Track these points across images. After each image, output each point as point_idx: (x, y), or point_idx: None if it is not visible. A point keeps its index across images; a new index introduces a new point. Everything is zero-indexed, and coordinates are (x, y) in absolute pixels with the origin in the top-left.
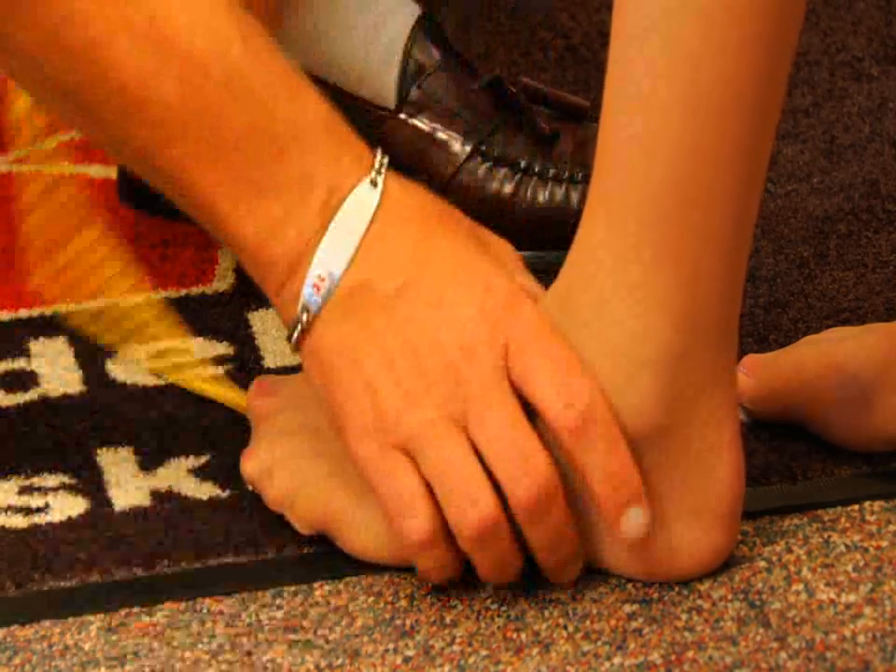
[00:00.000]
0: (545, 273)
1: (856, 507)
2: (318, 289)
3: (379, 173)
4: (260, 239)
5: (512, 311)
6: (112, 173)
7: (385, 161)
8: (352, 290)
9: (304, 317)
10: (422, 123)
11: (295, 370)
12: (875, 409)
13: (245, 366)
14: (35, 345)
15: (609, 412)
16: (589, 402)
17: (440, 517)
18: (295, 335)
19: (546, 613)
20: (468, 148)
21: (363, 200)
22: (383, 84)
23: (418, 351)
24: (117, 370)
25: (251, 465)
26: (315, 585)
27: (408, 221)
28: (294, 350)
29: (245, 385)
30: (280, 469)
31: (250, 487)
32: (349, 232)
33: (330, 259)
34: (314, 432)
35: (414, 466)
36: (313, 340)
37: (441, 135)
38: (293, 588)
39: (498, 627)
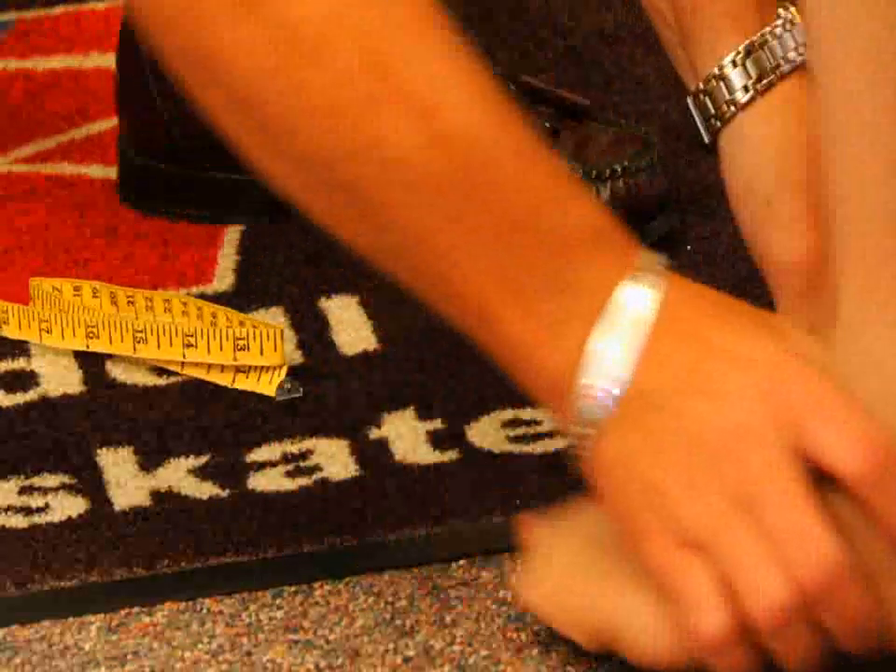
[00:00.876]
0: None
1: None
2: (598, 406)
3: (643, 270)
4: (528, 341)
5: (794, 383)
6: (112, 173)
7: (652, 259)
8: (636, 400)
9: (588, 432)
10: None
11: (295, 369)
12: None
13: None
14: (35, 345)
15: None
16: (885, 449)
17: (737, 613)
18: (580, 450)
19: None
20: None
21: (637, 305)
22: None
23: (699, 441)
24: (117, 370)
25: (526, 588)
26: (315, 585)
27: (688, 321)
28: (575, 455)
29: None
30: (558, 588)
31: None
32: (625, 342)
33: (608, 371)
34: (586, 546)
35: (707, 561)
36: (599, 452)
37: None
38: (293, 588)
39: (498, 627)
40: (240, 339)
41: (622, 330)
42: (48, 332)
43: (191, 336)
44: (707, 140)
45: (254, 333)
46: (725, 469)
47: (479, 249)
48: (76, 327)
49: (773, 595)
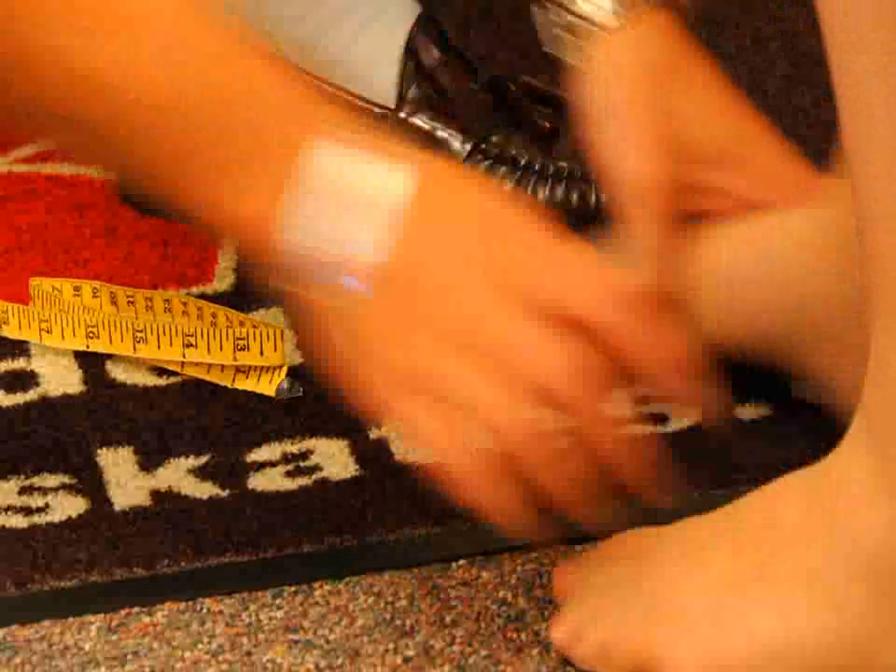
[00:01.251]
0: None
1: None
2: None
3: (332, 133)
4: (220, 204)
5: (517, 232)
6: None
7: (340, 118)
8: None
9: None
10: (421, 122)
11: (295, 368)
12: None
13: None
14: (35, 345)
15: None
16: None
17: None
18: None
19: (546, 613)
20: (467, 147)
21: (326, 164)
22: (383, 83)
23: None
24: (117, 370)
25: (559, 632)
26: (315, 585)
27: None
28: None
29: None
30: (589, 626)
31: (563, 653)
32: (317, 202)
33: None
34: (620, 585)
35: (435, 399)
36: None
37: (441, 134)
38: (293, 588)
39: (498, 627)
40: (240, 339)
41: (317, 193)
42: (48, 332)
43: (191, 336)
44: (571, 58)
45: (254, 333)
46: (446, 311)
47: (162, 136)
48: (76, 327)
49: (501, 414)
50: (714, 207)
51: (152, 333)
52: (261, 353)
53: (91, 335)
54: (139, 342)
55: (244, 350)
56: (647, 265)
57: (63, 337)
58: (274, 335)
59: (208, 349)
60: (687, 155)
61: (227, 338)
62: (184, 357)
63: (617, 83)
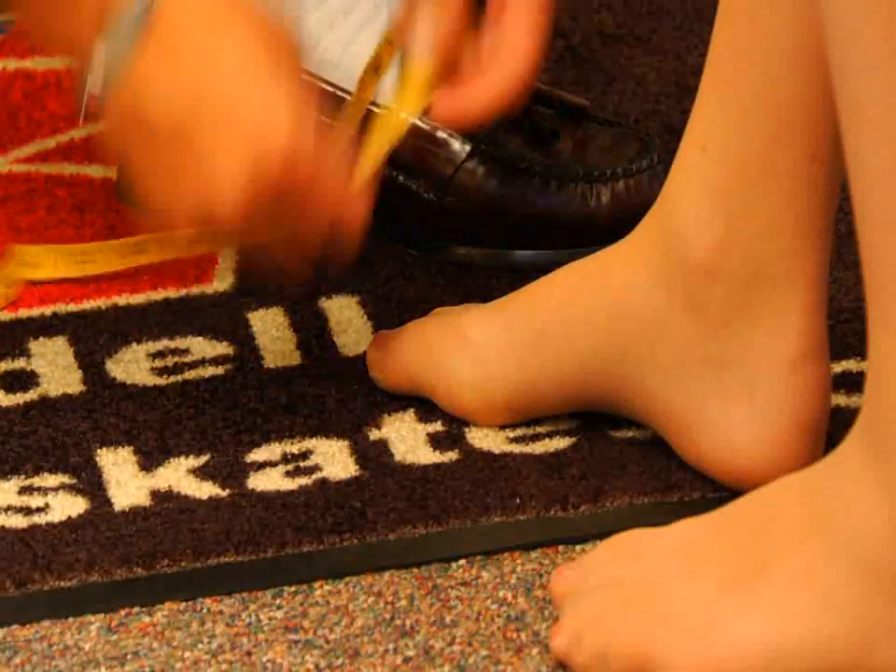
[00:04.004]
0: (545, 271)
1: None
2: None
3: None
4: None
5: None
6: (112, 173)
7: None
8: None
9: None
10: (421, 122)
11: (296, 370)
12: (493, 376)
13: (244, 366)
14: (35, 345)
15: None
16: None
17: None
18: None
19: (546, 613)
20: (467, 148)
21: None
22: (382, 83)
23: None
24: (117, 370)
25: (559, 639)
26: (315, 585)
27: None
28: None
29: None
30: (587, 632)
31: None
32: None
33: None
34: (618, 588)
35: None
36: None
37: (441, 134)
38: (293, 588)
39: (498, 627)
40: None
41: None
42: (92, 263)
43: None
44: None
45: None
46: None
47: None
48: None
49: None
50: None
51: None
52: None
53: (140, 251)
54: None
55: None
56: (434, 51)
57: (109, 262)
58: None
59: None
60: None
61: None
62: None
63: None
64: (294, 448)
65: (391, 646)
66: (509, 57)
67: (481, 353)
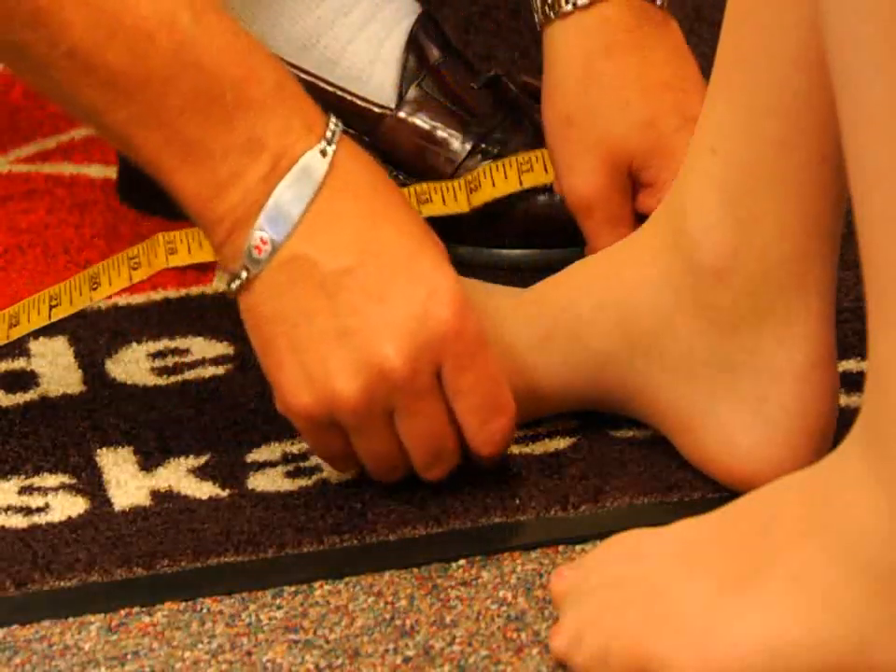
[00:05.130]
0: (545, 271)
1: None
2: (260, 251)
3: (330, 143)
4: (204, 197)
5: (456, 322)
6: (112, 173)
7: (339, 128)
8: (294, 259)
9: (244, 274)
10: (422, 122)
11: None
12: None
13: (244, 366)
14: (35, 345)
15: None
16: (508, 439)
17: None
18: (234, 286)
19: (546, 613)
20: (467, 146)
21: (312, 168)
22: (383, 82)
23: (354, 342)
24: (117, 370)
25: (559, 639)
26: (315, 585)
27: (356, 197)
28: (231, 298)
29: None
30: (587, 632)
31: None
32: (295, 200)
33: (275, 223)
34: (618, 588)
35: (342, 434)
36: (251, 298)
37: (441, 133)
38: (293, 588)
39: (498, 627)
40: (422, 193)
41: (294, 192)
42: (173, 253)
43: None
44: (538, 27)
45: (435, 187)
46: (374, 378)
47: (153, 121)
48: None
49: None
50: (656, 203)
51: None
52: (444, 203)
53: (134, 266)
54: (171, 252)
55: (427, 203)
56: None
57: (189, 252)
58: (454, 188)
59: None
60: (621, 153)
61: (409, 195)
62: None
63: (562, 71)
64: (294, 448)
65: (391, 646)
66: None
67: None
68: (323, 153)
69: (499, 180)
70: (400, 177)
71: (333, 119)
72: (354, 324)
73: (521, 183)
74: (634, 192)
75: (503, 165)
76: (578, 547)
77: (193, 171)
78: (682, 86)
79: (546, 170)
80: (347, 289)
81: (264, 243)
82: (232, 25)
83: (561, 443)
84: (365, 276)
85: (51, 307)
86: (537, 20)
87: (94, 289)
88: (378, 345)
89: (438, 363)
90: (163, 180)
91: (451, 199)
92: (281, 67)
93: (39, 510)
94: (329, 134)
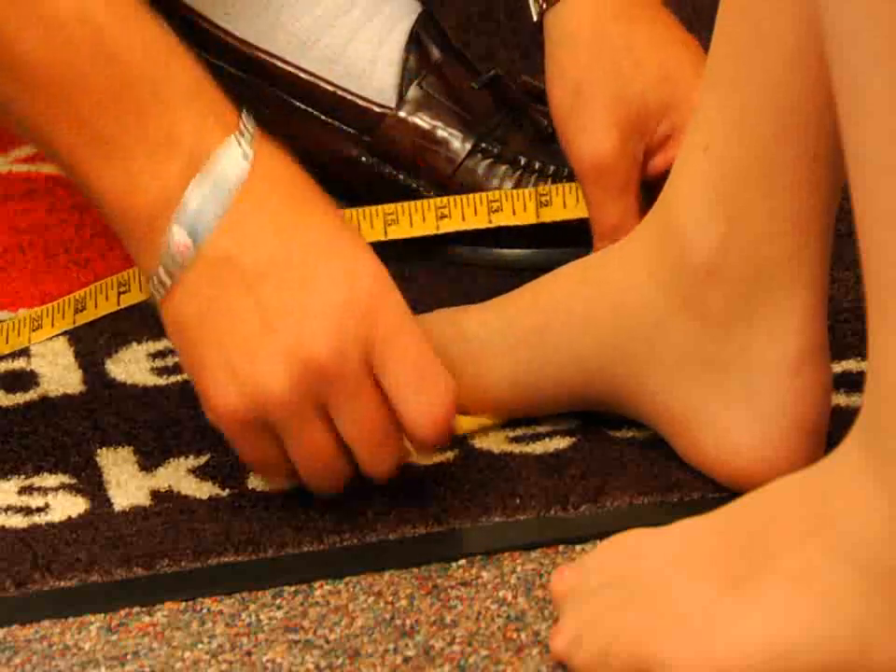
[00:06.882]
0: (544, 271)
1: None
2: (181, 254)
3: (243, 135)
4: (119, 189)
5: (379, 300)
6: None
7: (252, 126)
8: (216, 261)
9: (167, 280)
10: (422, 121)
11: None
12: (493, 376)
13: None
14: (35, 345)
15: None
16: (445, 415)
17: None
18: (158, 294)
19: (546, 613)
20: (468, 146)
21: (228, 165)
22: (383, 82)
23: (280, 335)
24: (117, 370)
25: (559, 639)
26: (315, 585)
27: (273, 191)
28: (154, 303)
29: None
30: (587, 632)
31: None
32: (212, 198)
33: (192, 222)
34: (618, 588)
35: (275, 438)
36: (174, 304)
37: (441, 133)
38: (293, 588)
39: (498, 627)
40: (493, 201)
41: (214, 191)
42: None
43: (444, 207)
44: (535, 18)
45: (507, 194)
46: (305, 371)
47: (67, 114)
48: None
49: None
50: (671, 158)
51: (403, 213)
52: (514, 212)
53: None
54: (390, 224)
55: (497, 212)
56: (600, 246)
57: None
58: (524, 196)
59: (462, 216)
60: (637, 113)
61: (480, 202)
62: (438, 228)
63: (571, 45)
64: None
65: (391, 646)
66: None
67: (480, 352)
68: (240, 150)
69: (571, 203)
70: (401, 177)
71: (247, 116)
72: (277, 316)
73: (490, 221)
74: (644, 160)
75: (576, 188)
76: (578, 547)
77: (108, 167)
78: (694, 44)
79: (514, 212)
80: (268, 279)
81: (185, 246)
82: (152, 22)
83: (561, 443)
84: (286, 263)
85: (76, 311)
86: (536, 9)
87: (123, 294)
88: (304, 335)
89: (365, 343)
90: (79, 180)
91: (520, 208)
92: (198, 66)
93: (39, 510)
94: (245, 132)
